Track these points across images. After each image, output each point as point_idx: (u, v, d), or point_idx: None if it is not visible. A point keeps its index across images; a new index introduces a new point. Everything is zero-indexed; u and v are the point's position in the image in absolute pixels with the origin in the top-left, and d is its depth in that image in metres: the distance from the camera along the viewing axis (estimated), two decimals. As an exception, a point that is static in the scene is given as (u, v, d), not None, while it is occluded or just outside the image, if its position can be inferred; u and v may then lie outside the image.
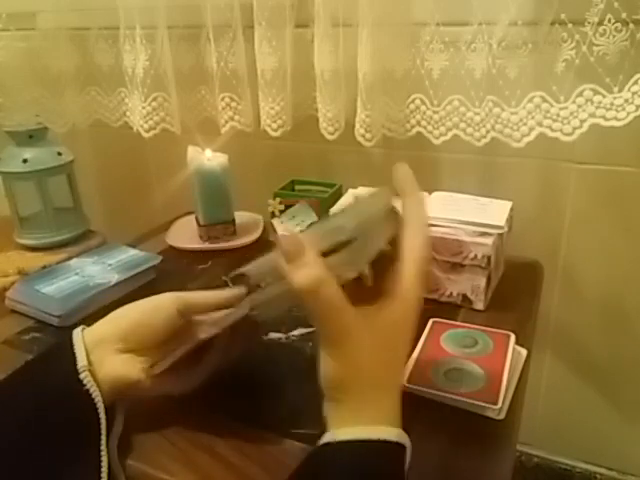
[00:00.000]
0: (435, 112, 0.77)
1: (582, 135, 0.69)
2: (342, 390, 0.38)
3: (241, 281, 0.47)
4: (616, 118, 0.66)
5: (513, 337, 0.58)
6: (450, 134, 0.76)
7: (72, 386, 0.44)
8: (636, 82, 0.64)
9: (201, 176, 0.84)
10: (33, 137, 0.94)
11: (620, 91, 0.65)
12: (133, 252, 0.81)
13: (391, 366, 0.40)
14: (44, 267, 0.85)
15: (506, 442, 0.48)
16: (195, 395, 0.49)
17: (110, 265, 0.77)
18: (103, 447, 0.44)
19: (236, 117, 0.90)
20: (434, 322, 0.62)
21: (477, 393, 0.50)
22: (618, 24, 0.62)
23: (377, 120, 0.78)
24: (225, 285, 0.50)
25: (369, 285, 0.41)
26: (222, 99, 0.89)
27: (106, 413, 0.44)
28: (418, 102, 0.78)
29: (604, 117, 0.67)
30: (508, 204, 0.70)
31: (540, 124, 0.70)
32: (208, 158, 0.85)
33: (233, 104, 0.89)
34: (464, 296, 0.68)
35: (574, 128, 0.69)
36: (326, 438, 0.38)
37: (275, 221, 0.85)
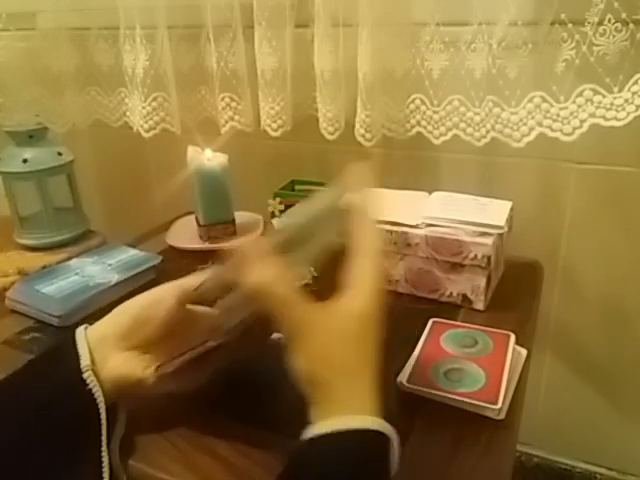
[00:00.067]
0: (435, 112, 0.77)
1: (582, 135, 0.69)
2: (315, 383, 0.38)
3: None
4: (616, 118, 0.66)
5: (513, 337, 0.58)
6: (450, 134, 0.76)
7: (75, 386, 0.44)
8: (636, 82, 0.64)
9: (201, 176, 0.84)
10: (33, 137, 0.94)
11: (620, 91, 0.65)
12: (133, 252, 0.81)
13: (361, 355, 0.39)
14: (44, 267, 0.85)
15: (506, 442, 0.48)
16: (195, 395, 0.49)
17: (110, 265, 0.77)
18: (104, 447, 0.43)
19: (236, 117, 0.90)
20: (434, 322, 0.62)
21: (477, 393, 0.50)
22: (618, 24, 0.62)
23: (377, 120, 0.78)
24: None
25: (318, 276, 0.42)
26: (222, 99, 0.89)
27: (109, 414, 0.44)
28: (418, 102, 0.78)
29: (604, 117, 0.67)
30: (508, 204, 0.70)
31: (540, 124, 0.70)
32: (208, 158, 0.85)
33: (233, 104, 0.89)
34: (464, 296, 0.68)
35: (574, 128, 0.69)
36: (304, 435, 0.37)
37: (275, 221, 0.85)
